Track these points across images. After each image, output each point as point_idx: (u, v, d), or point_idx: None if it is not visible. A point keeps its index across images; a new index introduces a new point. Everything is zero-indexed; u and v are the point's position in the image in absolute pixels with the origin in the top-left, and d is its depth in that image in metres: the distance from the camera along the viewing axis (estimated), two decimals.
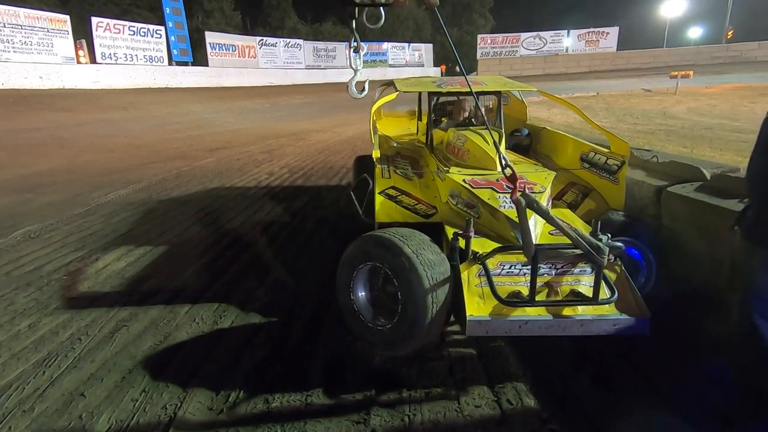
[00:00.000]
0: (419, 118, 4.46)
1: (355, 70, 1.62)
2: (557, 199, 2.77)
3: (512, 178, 1.82)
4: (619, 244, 1.97)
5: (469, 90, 3.51)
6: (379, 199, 2.56)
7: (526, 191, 1.84)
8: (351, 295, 2.09)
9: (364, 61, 1.67)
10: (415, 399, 1.84)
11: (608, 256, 1.82)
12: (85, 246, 3.69)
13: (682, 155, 4.50)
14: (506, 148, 3.41)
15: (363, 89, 1.68)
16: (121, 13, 28.20)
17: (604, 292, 1.86)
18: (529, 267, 1.85)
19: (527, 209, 1.82)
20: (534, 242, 1.86)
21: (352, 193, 2.75)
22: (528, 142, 3.63)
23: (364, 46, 1.72)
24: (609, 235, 2.01)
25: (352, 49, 1.58)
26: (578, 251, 1.83)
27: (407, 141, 4.04)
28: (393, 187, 2.69)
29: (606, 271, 1.89)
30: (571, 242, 1.81)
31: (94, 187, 5.79)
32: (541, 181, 2.50)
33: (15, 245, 3.73)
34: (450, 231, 2.16)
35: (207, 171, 6.78)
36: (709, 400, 1.78)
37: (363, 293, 2.11)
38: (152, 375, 2.02)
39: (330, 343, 2.25)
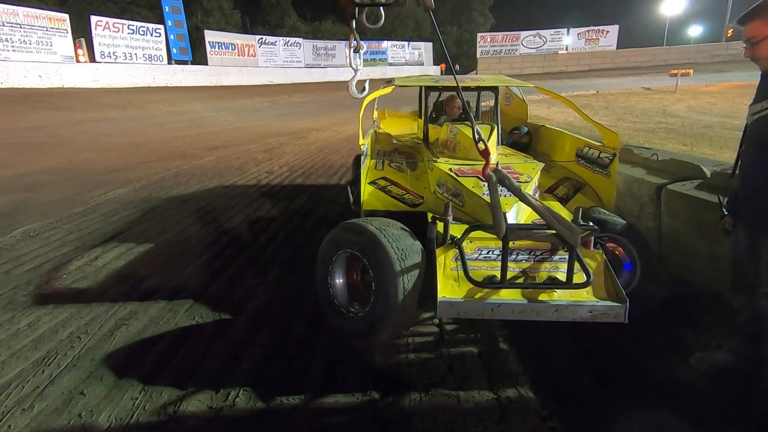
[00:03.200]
0: (420, 117, 4.48)
1: (356, 70, 1.62)
2: (549, 192, 2.77)
3: (485, 153, 1.80)
4: (595, 226, 1.96)
5: (468, 86, 3.55)
6: (368, 188, 2.59)
7: (499, 168, 1.83)
8: (330, 290, 2.11)
9: (363, 60, 1.67)
10: (415, 398, 1.84)
11: (582, 237, 1.80)
12: (85, 245, 3.69)
13: (682, 153, 4.50)
14: (505, 144, 3.43)
15: (363, 89, 1.68)
16: (120, 12, 28.06)
17: (581, 278, 1.83)
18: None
19: (513, 199, 1.81)
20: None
21: (349, 187, 2.82)
22: (527, 140, 3.64)
23: (364, 45, 1.71)
24: (591, 223, 2.01)
25: (352, 49, 1.57)
26: (551, 232, 1.82)
27: (407, 138, 4.07)
28: (384, 178, 2.72)
29: (586, 260, 1.89)
30: (545, 223, 1.80)
31: (94, 185, 5.78)
32: (528, 172, 2.51)
33: (14, 244, 3.73)
34: (431, 217, 2.17)
35: (206, 170, 6.77)
36: (709, 400, 1.78)
37: (340, 280, 2.14)
38: (152, 373, 2.01)
39: (330, 342, 2.24)
